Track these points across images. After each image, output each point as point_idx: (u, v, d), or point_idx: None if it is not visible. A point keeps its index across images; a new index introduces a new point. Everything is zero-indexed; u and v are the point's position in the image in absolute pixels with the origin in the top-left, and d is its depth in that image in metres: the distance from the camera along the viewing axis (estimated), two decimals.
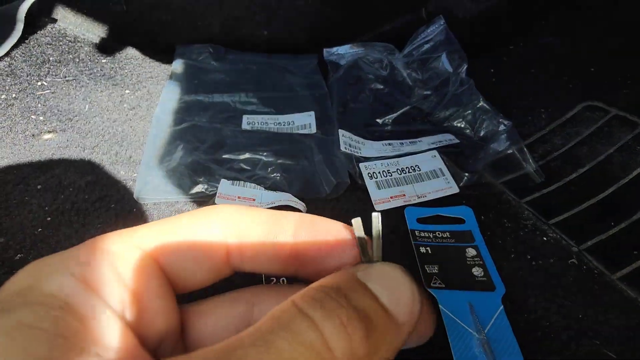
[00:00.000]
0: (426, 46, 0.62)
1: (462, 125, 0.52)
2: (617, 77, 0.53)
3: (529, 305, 0.33)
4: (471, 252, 0.37)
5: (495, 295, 0.33)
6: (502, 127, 0.49)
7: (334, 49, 0.65)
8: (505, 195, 0.44)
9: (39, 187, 0.39)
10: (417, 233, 0.38)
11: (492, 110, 0.51)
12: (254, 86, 0.58)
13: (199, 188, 0.40)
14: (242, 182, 0.41)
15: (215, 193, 0.40)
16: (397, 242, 0.37)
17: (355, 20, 0.69)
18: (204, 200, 0.40)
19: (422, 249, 0.36)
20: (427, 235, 0.37)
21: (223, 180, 0.41)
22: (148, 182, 0.40)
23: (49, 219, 0.36)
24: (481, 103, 0.52)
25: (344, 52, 0.65)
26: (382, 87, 0.59)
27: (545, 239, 0.40)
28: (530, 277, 0.35)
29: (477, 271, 0.35)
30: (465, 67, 0.57)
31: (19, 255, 0.33)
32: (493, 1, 0.62)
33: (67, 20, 0.58)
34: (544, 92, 0.56)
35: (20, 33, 0.52)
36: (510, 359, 0.29)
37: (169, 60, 0.61)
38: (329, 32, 0.68)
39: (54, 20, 0.57)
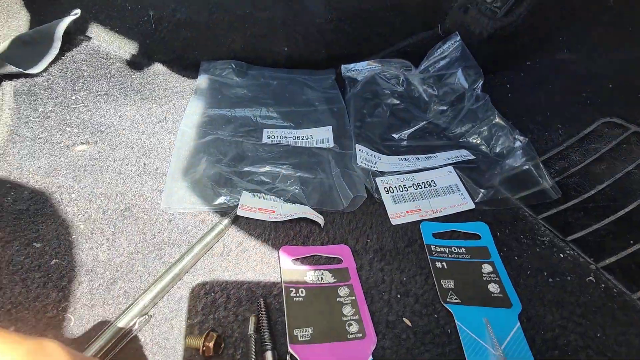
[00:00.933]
0: (442, 62, 0.63)
1: (478, 142, 0.53)
2: (635, 93, 0.53)
3: (546, 323, 0.33)
4: (487, 268, 0.37)
5: (512, 312, 0.33)
6: (518, 143, 0.50)
7: (352, 65, 0.67)
8: (522, 211, 0.45)
9: (72, 195, 0.41)
10: (433, 248, 0.38)
11: (507, 126, 0.52)
12: (274, 101, 0.60)
13: (221, 199, 0.42)
14: (262, 194, 0.43)
15: (237, 204, 0.41)
16: (413, 256, 0.38)
17: (373, 37, 0.70)
18: (227, 210, 0.41)
19: (438, 264, 0.37)
20: (443, 250, 0.38)
21: (244, 192, 0.42)
22: (174, 193, 0.42)
23: (82, 226, 0.38)
24: (497, 119, 0.53)
25: (361, 68, 0.67)
26: (398, 102, 0.60)
27: (562, 256, 0.40)
28: (548, 295, 0.36)
29: (493, 287, 0.35)
30: (481, 83, 0.58)
31: (54, 261, 0.35)
32: (510, 18, 0.62)
33: (100, 38, 0.62)
34: (560, 107, 0.56)
35: (57, 50, 0.56)
36: None
37: (194, 76, 0.64)
38: (346, 49, 0.70)
39: (89, 38, 0.61)
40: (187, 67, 0.65)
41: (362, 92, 0.62)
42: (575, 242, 0.41)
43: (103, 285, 0.33)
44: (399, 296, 0.35)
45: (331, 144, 0.52)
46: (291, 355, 0.29)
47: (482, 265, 0.37)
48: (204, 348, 0.28)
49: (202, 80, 0.63)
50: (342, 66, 0.67)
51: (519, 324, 0.32)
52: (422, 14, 0.69)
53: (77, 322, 0.30)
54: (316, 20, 0.67)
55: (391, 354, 0.31)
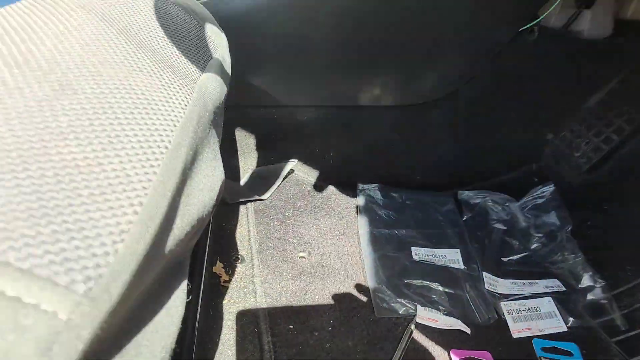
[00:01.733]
0: (539, 201, 0.87)
1: (567, 274, 0.76)
2: None
3: None
4: None
5: None
6: (596, 282, 0.72)
7: (466, 192, 0.92)
8: (600, 334, 0.67)
9: (316, 297, 0.70)
10: (542, 358, 0.63)
11: (590, 268, 0.75)
12: (414, 222, 0.87)
13: (404, 310, 0.69)
14: (428, 307, 0.69)
15: (415, 313, 0.68)
16: None
17: (482, 167, 0.96)
18: (411, 318, 0.68)
19: None
20: None
21: (418, 306, 0.69)
22: (376, 301, 0.70)
23: (332, 321, 0.66)
24: (582, 261, 0.76)
25: (473, 194, 0.92)
26: (504, 228, 0.85)
27: None
28: None
29: None
30: (569, 228, 0.81)
31: (328, 345, 0.63)
32: (593, 174, 0.85)
33: (305, 171, 0.92)
34: (630, 251, 0.78)
35: (280, 182, 0.87)
36: None
37: (354, 194, 0.92)
38: (462, 176, 0.96)
39: (292, 171, 0.91)
40: (349, 187, 0.94)
41: (476, 217, 0.87)
42: None
43: None
44: None
45: (462, 266, 0.78)
46: None
47: None
48: None
49: (361, 199, 0.91)
50: (459, 192, 0.93)
51: None
52: (522, 154, 0.94)
53: None
54: (443, 157, 0.94)
55: None
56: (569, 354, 0.64)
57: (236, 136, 0.87)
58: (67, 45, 0.28)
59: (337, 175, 0.94)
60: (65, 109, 0.24)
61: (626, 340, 0.66)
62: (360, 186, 0.94)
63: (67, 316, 0.18)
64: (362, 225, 0.85)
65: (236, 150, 0.88)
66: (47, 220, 0.19)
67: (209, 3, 0.62)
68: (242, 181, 0.87)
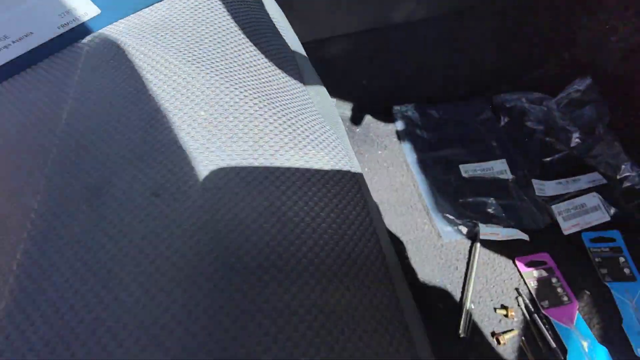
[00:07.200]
0: (575, 96, 0.87)
1: (607, 166, 0.81)
2: None
3: None
4: (622, 259, 0.71)
5: (638, 285, 0.68)
6: (634, 171, 0.78)
7: (502, 95, 0.91)
8: (638, 218, 0.76)
9: None
10: (591, 249, 0.72)
11: (629, 159, 0.79)
12: (457, 140, 0.87)
13: (468, 229, 0.75)
14: (489, 223, 0.75)
15: (478, 231, 0.74)
16: (581, 254, 0.72)
17: (514, 68, 0.92)
18: (474, 235, 0.74)
19: (596, 259, 0.71)
20: (597, 250, 0.72)
21: (480, 224, 0.75)
22: (440, 226, 0.75)
23: (405, 253, 0.72)
24: (620, 152, 0.80)
25: (508, 96, 0.91)
26: (542, 127, 0.87)
27: None
28: None
29: (627, 271, 0.70)
30: (607, 120, 0.83)
31: (407, 275, 0.70)
32: (631, 63, 0.83)
33: (337, 107, 0.86)
34: None
35: None
36: None
37: (392, 120, 0.90)
38: (497, 80, 0.93)
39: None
40: (386, 113, 0.90)
41: (514, 121, 0.88)
42: None
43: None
44: (579, 279, 0.70)
45: (510, 176, 0.82)
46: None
47: (619, 258, 0.71)
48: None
49: (399, 124, 0.89)
50: (494, 97, 0.91)
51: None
52: (555, 43, 0.90)
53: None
54: (477, 65, 0.89)
55: (585, 309, 0.67)
56: (612, 240, 0.73)
57: None
58: None
59: (373, 103, 0.89)
60: None
61: None
62: (396, 108, 0.91)
63: None
64: (407, 152, 0.86)
65: None
66: None
67: None
68: None
